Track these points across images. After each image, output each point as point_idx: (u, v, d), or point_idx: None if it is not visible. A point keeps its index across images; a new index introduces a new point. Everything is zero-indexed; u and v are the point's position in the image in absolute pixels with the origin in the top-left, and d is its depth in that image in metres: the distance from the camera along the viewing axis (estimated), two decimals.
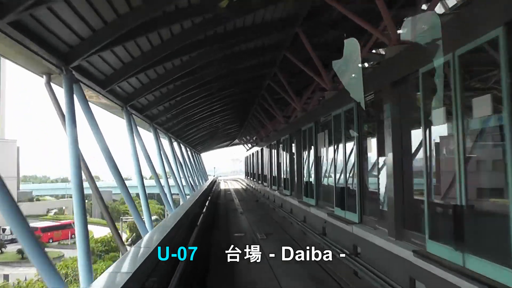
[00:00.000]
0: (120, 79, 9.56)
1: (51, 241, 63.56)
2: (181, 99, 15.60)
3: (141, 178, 10.79)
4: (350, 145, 9.62)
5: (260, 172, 29.26)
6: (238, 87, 17.24)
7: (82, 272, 6.60)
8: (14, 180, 77.09)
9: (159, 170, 15.74)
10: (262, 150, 28.04)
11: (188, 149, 29.51)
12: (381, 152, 7.98)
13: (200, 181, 35.80)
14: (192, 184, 26.12)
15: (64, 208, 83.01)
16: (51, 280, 5.72)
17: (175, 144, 23.28)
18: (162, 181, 15.67)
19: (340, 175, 10.65)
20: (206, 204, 16.49)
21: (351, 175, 9.57)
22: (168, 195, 15.17)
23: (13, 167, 76.07)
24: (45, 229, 63.82)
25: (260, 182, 29.43)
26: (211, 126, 27.35)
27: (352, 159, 9.39)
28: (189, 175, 25.75)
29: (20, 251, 57.15)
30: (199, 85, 13.89)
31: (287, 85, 15.23)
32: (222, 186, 45.11)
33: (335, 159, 10.68)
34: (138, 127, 13.54)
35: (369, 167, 8.93)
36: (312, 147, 13.10)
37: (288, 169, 17.50)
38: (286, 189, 17.74)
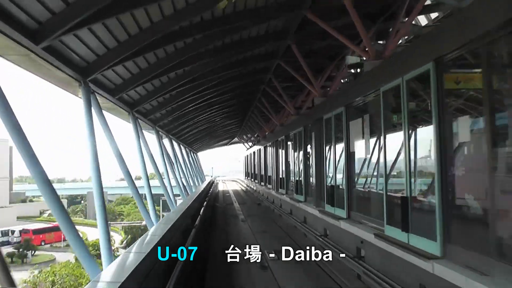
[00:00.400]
0: (63, 28, 5.98)
1: (43, 243, 60.28)
2: (169, 81, 12.05)
3: (99, 178, 7.06)
4: (420, 133, 6.10)
5: (263, 172, 25.66)
6: (242, 66, 13.65)
7: None
8: (7, 181, 73.73)
9: (140, 171, 12.23)
10: (265, 148, 24.46)
11: (181, 147, 25.79)
12: (503, 140, 4.45)
13: (196, 182, 32.16)
14: (185, 185, 22.45)
15: None
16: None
17: (165, 140, 19.68)
18: (142, 182, 12.10)
19: (389, 177, 7.16)
20: (201, 213, 12.94)
21: (423, 178, 6.05)
22: (149, 203, 11.53)
23: (5, 167, 72.68)
24: (37, 231, 60.48)
25: (262, 183, 25.86)
26: (208, 121, 23.67)
27: (426, 154, 5.88)
28: (182, 175, 22.08)
29: (10, 255, 53.64)
30: (194, 56, 10.35)
31: (303, 62, 11.64)
32: (221, 187, 41.53)
33: (386, 154, 7.13)
34: (108, 113, 9.98)
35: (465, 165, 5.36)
36: (342, 140, 9.56)
37: (301, 169, 13.95)
38: (298, 193, 14.19)
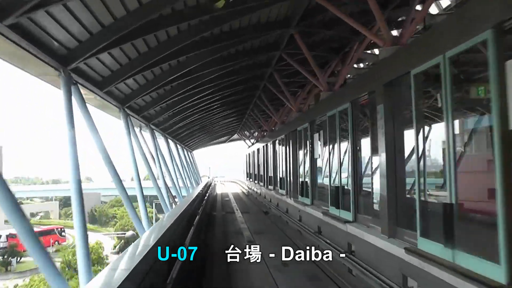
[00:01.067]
0: None
1: None
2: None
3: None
4: None
5: (271, 174, 20.34)
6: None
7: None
8: None
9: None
10: (274, 143, 19.16)
11: (170, 142, 20.32)
12: None
13: (190, 184, 26.80)
14: (171, 188, 17.18)
15: (50, 211, 73.54)
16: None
17: (147, 134, 14.44)
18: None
19: None
20: (189, 235, 7.64)
21: None
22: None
23: None
24: None
25: (270, 187, 20.56)
26: (203, 111, 18.33)
27: None
28: (169, 179, 16.81)
29: None
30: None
31: None
32: (219, 190, 36.05)
33: None
34: None
35: None
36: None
37: (347, 170, 8.69)
38: (342, 208, 8.89)
